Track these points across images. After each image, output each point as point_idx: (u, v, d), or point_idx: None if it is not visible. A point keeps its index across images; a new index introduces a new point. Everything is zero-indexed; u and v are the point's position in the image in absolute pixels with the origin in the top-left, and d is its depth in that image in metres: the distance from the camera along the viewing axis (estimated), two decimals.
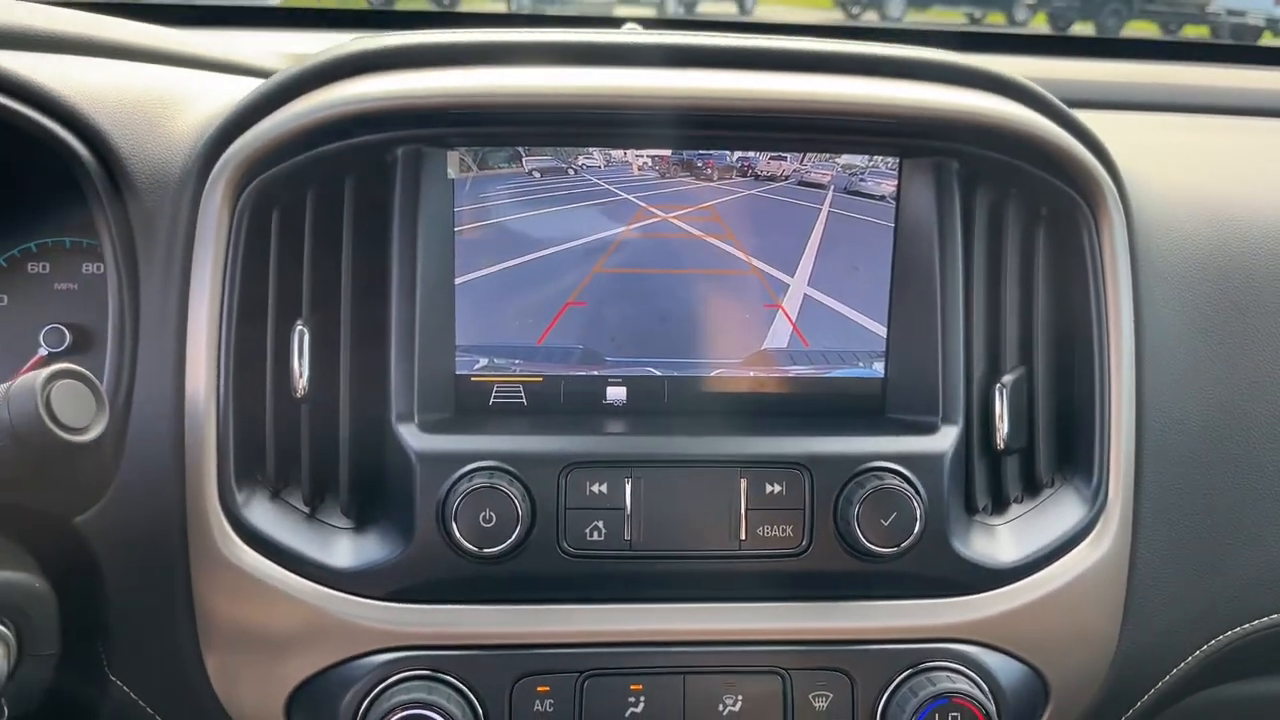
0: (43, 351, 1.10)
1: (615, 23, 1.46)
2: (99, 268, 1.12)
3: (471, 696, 0.94)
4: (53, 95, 0.95)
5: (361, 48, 0.98)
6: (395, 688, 0.93)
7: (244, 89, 1.09)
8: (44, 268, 1.12)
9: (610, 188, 1.00)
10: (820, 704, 0.98)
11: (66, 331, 1.10)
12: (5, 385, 0.79)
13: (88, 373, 0.81)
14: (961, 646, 0.99)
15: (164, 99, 1.02)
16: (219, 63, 1.20)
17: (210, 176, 0.95)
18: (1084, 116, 1.05)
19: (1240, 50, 1.81)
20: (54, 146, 0.95)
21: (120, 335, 0.96)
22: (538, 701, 0.95)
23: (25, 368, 1.10)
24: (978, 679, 0.98)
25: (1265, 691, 1.16)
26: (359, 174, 0.98)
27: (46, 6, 1.08)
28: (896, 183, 1.01)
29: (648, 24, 1.45)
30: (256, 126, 0.95)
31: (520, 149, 0.99)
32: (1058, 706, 1.02)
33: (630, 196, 1.00)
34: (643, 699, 0.96)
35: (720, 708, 0.97)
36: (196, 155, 0.96)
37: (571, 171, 1.00)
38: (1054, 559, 1.01)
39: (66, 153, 0.95)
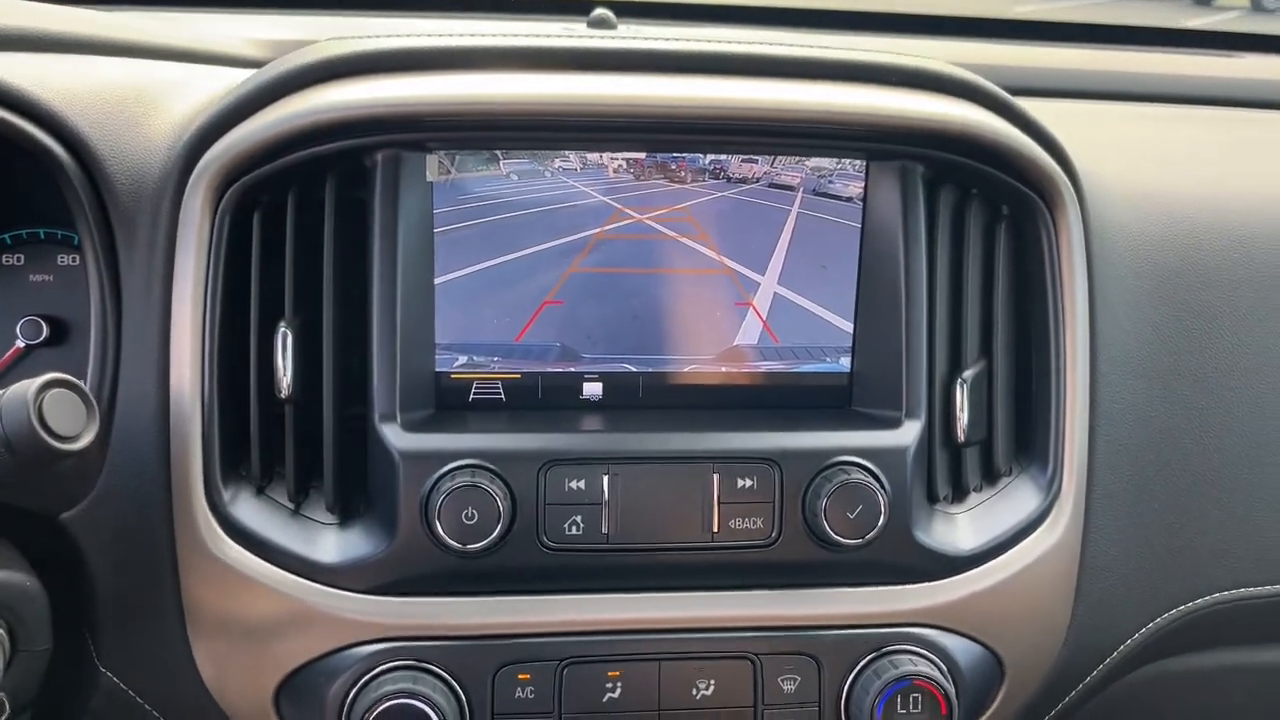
0: (19, 343, 1.10)
1: (586, 7, 1.46)
2: (75, 259, 1.12)
3: (455, 685, 0.97)
4: (31, 98, 0.94)
5: (340, 52, 0.98)
6: (381, 677, 0.96)
7: (219, 79, 1.09)
8: (19, 259, 1.12)
9: (586, 189, 1.02)
10: (789, 687, 1.02)
11: (43, 323, 1.10)
12: None
13: (79, 382, 0.82)
14: (922, 630, 1.04)
15: (140, 96, 1.02)
16: (192, 52, 1.19)
17: (190, 180, 0.95)
18: (1040, 105, 1.08)
19: (1194, 35, 1.85)
20: (33, 150, 0.94)
21: (103, 335, 0.96)
22: (519, 689, 0.98)
23: (3, 360, 1.10)
24: (938, 661, 1.03)
25: (1205, 664, 1.21)
26: (339, 176, 0.99)
27: (14, 0, 1.07)
28: (863, 185, 1.04)
29: (617, 9, 1.45)
30: (234, 131, 0.95)
31: (498, 152, 1.00)
32: (1012, 685, 1.07)
33: (606, 198, 1.02)
34: (619, 684, 1.00)
35: (693, 692, 1.01)
36: (176, 158, 0.96)
37: (548, 174, 1.01)
38: (1011, 545, 1.05)
39: (46, 156, 0.94)
